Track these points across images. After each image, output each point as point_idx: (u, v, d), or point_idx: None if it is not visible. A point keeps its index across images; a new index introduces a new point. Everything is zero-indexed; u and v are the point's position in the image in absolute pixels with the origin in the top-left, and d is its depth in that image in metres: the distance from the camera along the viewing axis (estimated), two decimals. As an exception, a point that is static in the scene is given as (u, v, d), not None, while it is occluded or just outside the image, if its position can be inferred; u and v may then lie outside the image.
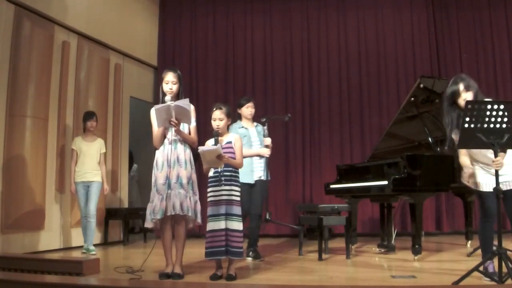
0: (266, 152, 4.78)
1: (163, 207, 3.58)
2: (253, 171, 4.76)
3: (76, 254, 5.30)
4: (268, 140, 4.86)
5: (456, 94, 3.38)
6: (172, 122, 3.58)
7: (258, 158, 4.80)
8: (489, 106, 2.99)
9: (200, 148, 3.53)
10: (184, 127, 3.73)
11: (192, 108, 3.81)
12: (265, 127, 4.93)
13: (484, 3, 7.47)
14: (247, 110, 4.89)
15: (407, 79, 7.34)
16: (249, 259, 4.68)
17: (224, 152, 3.59)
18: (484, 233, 3.36)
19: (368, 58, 7.55)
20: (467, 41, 7.42)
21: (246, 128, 4.87)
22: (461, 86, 3.35)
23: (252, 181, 4.74)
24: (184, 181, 3.63)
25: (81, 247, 5.47)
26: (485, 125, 3.00)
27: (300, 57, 7.65)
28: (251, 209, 4.70)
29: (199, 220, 3.70)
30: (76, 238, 5.90)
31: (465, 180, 3.39)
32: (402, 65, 7.50)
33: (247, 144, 4.71)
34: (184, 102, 3.55)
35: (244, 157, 4.20)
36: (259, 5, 7.85)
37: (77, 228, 5.87)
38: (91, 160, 5.47)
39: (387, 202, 5.32)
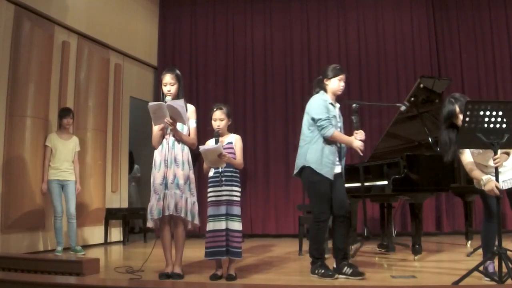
0: (361, 145, 3.67)
1: (160, 207, 3.59)
2: (336, 165, 3.75)
3: (75, 254, 5.29)
4: (362, 134, 3.72)
5: (453, 116, 3.37)
6: (167, 122, 3.58)
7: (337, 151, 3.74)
8: (489, 107, 2.99)
9: (202, 147, 3.53)
10: (183, 128, 3.73)
11: (193, 109, 3.82)
12: (356, 117, 3.83)
13: (484, 3, 7.47)
14: (339, 83, 3.75)
15: (407, 79, 7.35)
16: (342, 277, 3.55)
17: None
18: (487, 233, 3.36)
19: (368, 58, 7.55)
20: (467, 41, 7.43)
21: (334, 106, 3.79)
22: (457, 108, 3.33)
23: (332, 177, 3.69)
24: (181, 181, 3.63)
25: (81, 247, 5.45)
26: (485, 125, 3.00)
27: (300, 57, 7.66)
28: (335, 209, 3.70)
29: (196, 221, 3.69)
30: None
31: (491, 189, 3.15)
32: (402, 65, 7.50)
33: (335, 127, 3.70)
34: (178, 103, 3.55)
35: (335, 139, 3.63)
36: (259, 5, 7.85)
37: (77, 229, 5.87)
38: (66, 158, 5.33)
39: (387, 202, 5.32)
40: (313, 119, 3.67)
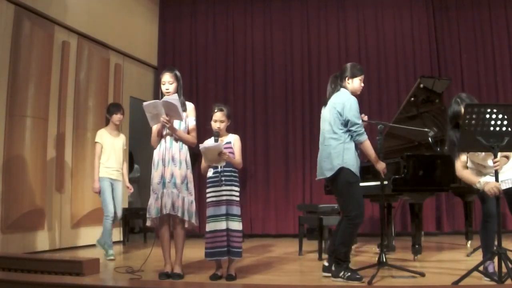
0: (385, 168, 3.65)
1: (158, 206, 3.61)
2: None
3: (75, 254, 5.29)
4: (382, 166, 3.65)
5: (458, 116, 3.38)
6: (163, 120, 3.58)
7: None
8: (489, 109, 3.00)
9: (202, 145, 3.55)
10: (180, 125, 3.73)
11: (192, 107, 3.83)
12: (381, 138, 3.81)
13: (484, 3, 7.46)
14: (360, 83, 3.67)
15: (407, 79, 7.34)
16: (339, 280, 3.47)
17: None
18: (486, 233, 3.36)
19: (368, 58, 7.54)
20: (467, 41, 7.42)
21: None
22: (462, 109, 3.31)
23: None
24: (178, 180, 3.63)
25: (81, 247, 5.45)
26: (485, 128, 3.01)
27: (300, 57, 7.65)
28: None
29: (193, 220, 3.68)
30: (76, 238, 5.90)
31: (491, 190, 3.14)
32: (402, 65, 7.49)
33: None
34: (172, 97, 3.56)
35: (363, 147, 3.54)
36: (259, 5, 7.84)
37: (77, 229, 5.89)
38: (116, 156, 5.04)
39: (387, 202, 5.31)
40: (348, 121, 3.50)
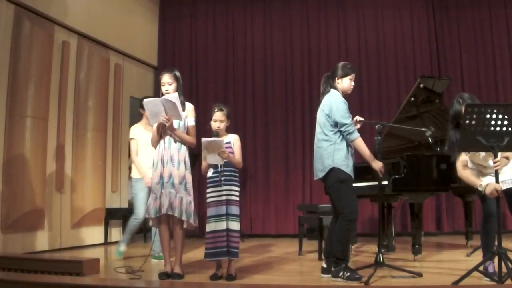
0: (382, 167, 3.66)
1: (156, 205, 3.63)
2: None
3: (76, 254, 5.28)
4: (379, 165, 3.66)
5: (459, 116, 3.39)
6: (163, 118, 3.57)
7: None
8: (489, 110, 3.00)
9: (204, 139, 3.55)
10: (179, 125, 3.73)
11: (191, 107, 3.84)
12: (379, 138, 3.79)
13: (484, 3, 7.46)
14: (350, 83, 3.68)
15: (407, 79, 7.34)
16: (339, 280, 3.48)
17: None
18: (486, 233, 3.37)
19: (368, 58, 7.55)
20: (467, 41, 7.42)
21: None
22: (463, 109, 3.29)
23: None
24: (176, 181, 3.64)
25: (81, 247, 5.44)
26: (485, 128, 3.01)
27: (300, 57, 7.65)
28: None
29: (191, 221, 3.68)
30: (76, 238, 5.90)
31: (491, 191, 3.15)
32: (402, 65, 7.49)
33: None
34: (172, 96, 3.57)
35: (356, 145, 3.57)
36: (259, 5, 7.85)
37: (77, 229, 5.88)
38: (152, 154, 4.70)
39: (387, 202, 5.32)
40: (337, 122, 3.56)
